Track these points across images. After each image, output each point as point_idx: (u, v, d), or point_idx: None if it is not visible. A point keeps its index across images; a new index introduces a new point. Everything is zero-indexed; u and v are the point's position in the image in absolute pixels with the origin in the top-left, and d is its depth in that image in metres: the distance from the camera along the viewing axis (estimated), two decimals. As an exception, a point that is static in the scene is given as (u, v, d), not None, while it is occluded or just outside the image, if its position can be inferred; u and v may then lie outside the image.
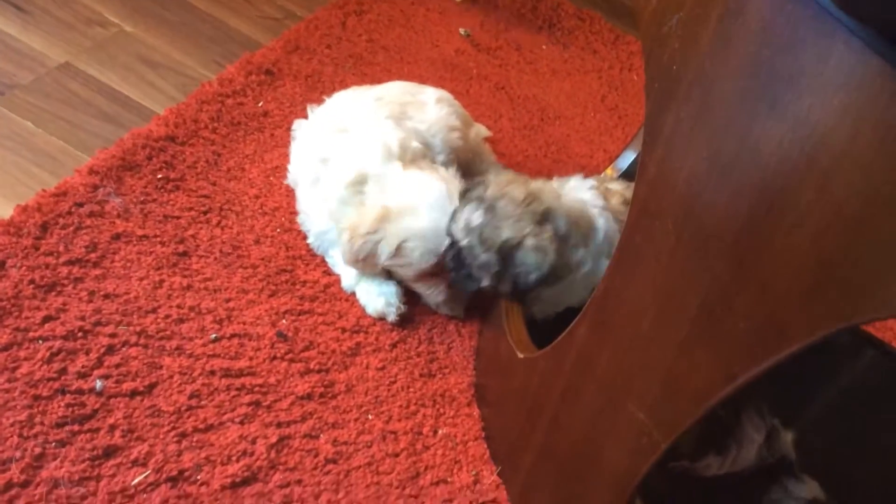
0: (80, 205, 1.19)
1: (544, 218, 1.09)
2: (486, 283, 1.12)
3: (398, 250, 1.17)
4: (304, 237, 1.31)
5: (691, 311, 0.78)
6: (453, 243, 1.14)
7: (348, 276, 1.27)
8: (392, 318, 1.25)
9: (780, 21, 0.65)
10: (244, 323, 1.15)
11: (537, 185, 1.15)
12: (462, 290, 1.19)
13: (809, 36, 0.63)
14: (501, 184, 1.12)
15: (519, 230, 1.08)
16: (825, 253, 0.65)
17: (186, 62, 1.54)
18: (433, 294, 1.26)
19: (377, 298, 1.25)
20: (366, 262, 1.21)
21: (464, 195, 1.16)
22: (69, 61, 1.40)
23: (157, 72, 1.48)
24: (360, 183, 1.22)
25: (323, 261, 1.30)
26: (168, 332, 1.09)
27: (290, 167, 1.37)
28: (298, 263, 1.27)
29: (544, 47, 2.12)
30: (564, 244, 1.10)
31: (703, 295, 0.77)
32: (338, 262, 1.28)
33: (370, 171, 1.22)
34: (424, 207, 1.17)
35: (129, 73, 1.44)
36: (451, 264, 1.15)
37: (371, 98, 1.35)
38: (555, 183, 1.19)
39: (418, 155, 1.28)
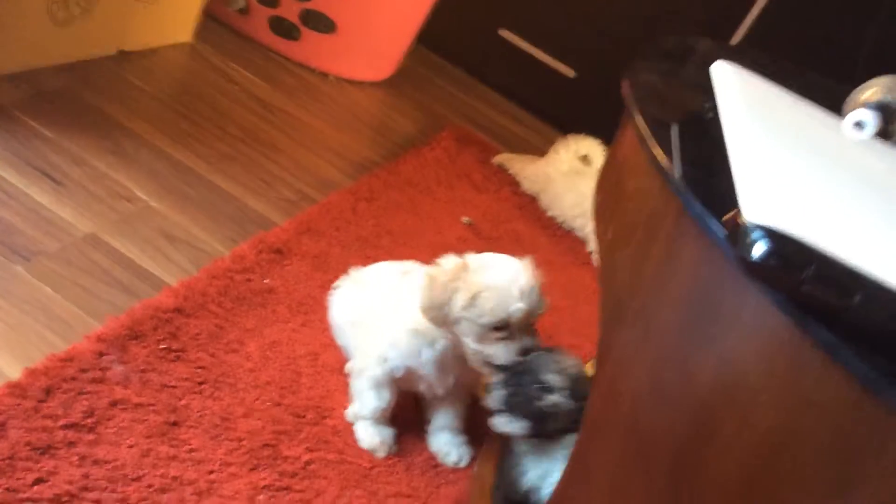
0: (85, 370, 1.26)
1: None
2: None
3: (472, 300, 1.26)
4: (292, 412, 1.37)
5: (633, 523, 0.83)
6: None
7: (358, 407, 1.39)
8: (381, 454, 1.37)
9: (707, 267, 0.74)
10: (223, 496, 1.19)
11: None
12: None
13: (729, 283, 0.71)
14: None
15: None
16: (749, 479, 0.71)
17: (204, 238, 1.66)
18: (500, 354, 1.30)
19: (373, 436, 1.38)
20: (439, 311, 1.29)
21: None
22: (95, 232, 1.52)
23: (174, 246, 1.60)
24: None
25: (307, 437, 1.35)
26: (149, 502, 1.14)
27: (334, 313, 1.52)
28: (283, 438, 1.32)
29: (543, 239, 2.25)
30: None
31: (643, 509, 0.82)
32: (360, 390, 1.39)
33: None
34: (501, 265, 1.31)
35: (149, 246, 1.56)
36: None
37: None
38: None
39: None
